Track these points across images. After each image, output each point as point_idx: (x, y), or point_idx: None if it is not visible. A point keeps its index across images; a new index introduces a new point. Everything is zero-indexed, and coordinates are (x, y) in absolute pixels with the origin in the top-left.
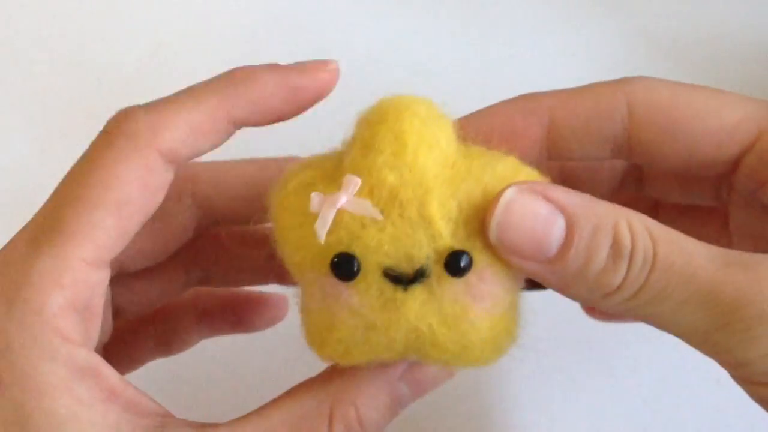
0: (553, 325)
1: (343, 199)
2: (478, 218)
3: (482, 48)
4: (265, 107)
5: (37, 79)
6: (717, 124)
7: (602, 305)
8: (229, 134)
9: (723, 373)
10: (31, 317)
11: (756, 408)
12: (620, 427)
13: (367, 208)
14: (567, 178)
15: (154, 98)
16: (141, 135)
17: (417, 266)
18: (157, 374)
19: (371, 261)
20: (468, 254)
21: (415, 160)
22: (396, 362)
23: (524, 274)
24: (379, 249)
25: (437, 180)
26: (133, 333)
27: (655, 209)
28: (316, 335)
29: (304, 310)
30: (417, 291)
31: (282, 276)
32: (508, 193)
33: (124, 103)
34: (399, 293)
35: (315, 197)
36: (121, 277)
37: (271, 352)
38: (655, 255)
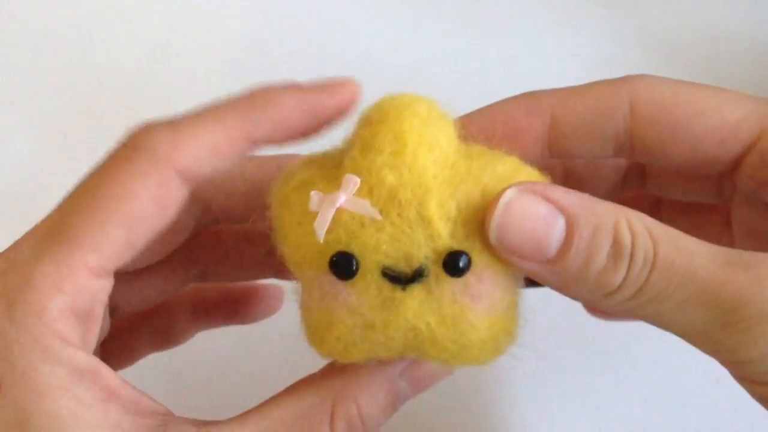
0: (553, 324)
1: (342, 199)
2: (478, 219)
3: (482, 48)
4: (285, 127)
5: (37, 79)
6: (719, 123)
7: (603, 305)
8: (247, 154)
9: (723, 373)
10: (31, 319)
11: (756, 407)
12: (620, 427)
13: (366, 207)
14: (569, 176)
15: (154, 98)
16: (160, 151)
17: (415, 266)
18: (157, 373)
19: (370, 260)
20: (467, 254)
21: (414, 161)
22: (395, 360)
23: (524, 274)
24: (377, 248)
25: (437, 180)
26: (129, 328)
27: (656, 207)
28: (315, 333)
29: (304, 308)
30: (415, 291)
31: (281, 272)
32: (508, 194)
33: (124, 103)
34: (397, 293)
35: (314, 196)
36: (119, 275)
37: (271, 349)
38: (655, 254)
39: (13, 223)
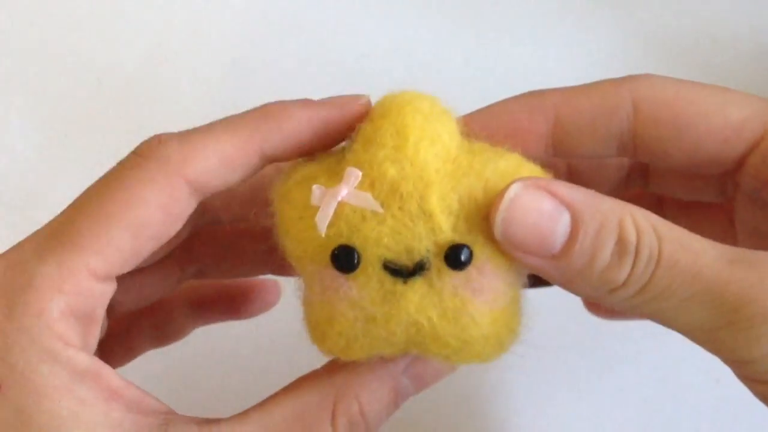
0: (553, 324)
1: (344, 192)
2: (479, 212)
3: (483, 48)
4: (296, 142)
5: (37, 79)
6: (722, 122)
7: (607, 301)
8: (257, 169)
9: (723, 373)
10: (31, 320)
11: (756, 407)
12: (620, 426)
13: (367, 200)
14: (572, 175)
15: (154, 98)
16: (171, 161)
17: (417, 259)
18: (159, 372)
19: (371, 253)
20: (468, 248)
21: (416, 154)
22: (397, 357)
23: (527, 270)
24: (379, 241)
25: (438, 174)
26: (127, 326)
27: (659, 205)
28: (317, 329)
29: (306, 304)
30: (417, 284)
31: (278, 269)
32: (513, 189)
33: (124, 103)
34: (399, 286)
35: (316, 190)
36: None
37: (273, 347)
38: (660, 252)
39: (13, 223)
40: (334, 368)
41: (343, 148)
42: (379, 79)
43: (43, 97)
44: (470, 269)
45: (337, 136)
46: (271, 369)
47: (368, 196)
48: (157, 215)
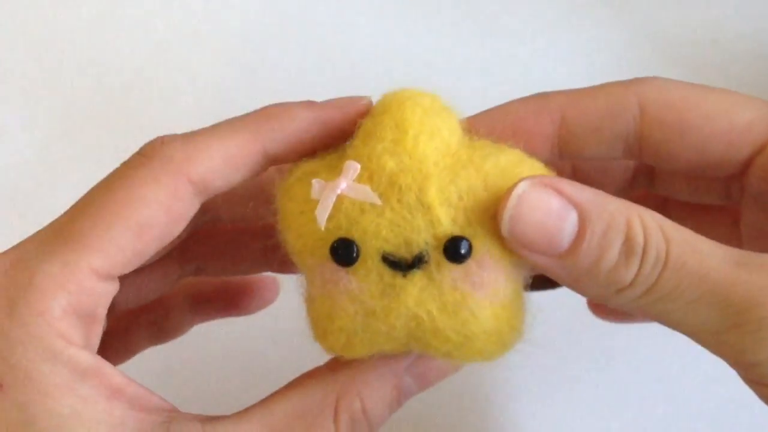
0: (554, 324)
1: (342, 185)
2: (479, 206)
3: (486, 50)
4: (298, 142)
5: (37, 79)
6: (728, 125)
7: (613, 302)
8: (261, 169)
9: (723, 373)
10: (33, 318)
11: (756, 408)
12: (620, 425)
13: (366, 193)
14: (577, 176)
15: (154, 98)
16: (175, 161)
17: (416, 252)
18: (162, 370)
19: (370, 246)
20: (467, 240)
21: (415, 147)
22: (399, 355)
23: (529, 265)
24: (377, 234)
25: (437, 167)
26: (126, 323)
27: (664, 206)
28: (318, 325)
29: (308, 300)
30: (416, 277)
31: (276, 267)
32: (521, 186)
33: (124, 103)
34: (398, 279)
35: (316, 184)
36: None
37: (275, 344)
38: (667, 253)
39: (13, 223)
40: (336, 365)
41: (345, 147)
42: (381, 80)
43: (43, 97)
44: (470, 263)
45: (340, 137)
46: (273, 366)
47: (367, 188)
48: (160, 215)
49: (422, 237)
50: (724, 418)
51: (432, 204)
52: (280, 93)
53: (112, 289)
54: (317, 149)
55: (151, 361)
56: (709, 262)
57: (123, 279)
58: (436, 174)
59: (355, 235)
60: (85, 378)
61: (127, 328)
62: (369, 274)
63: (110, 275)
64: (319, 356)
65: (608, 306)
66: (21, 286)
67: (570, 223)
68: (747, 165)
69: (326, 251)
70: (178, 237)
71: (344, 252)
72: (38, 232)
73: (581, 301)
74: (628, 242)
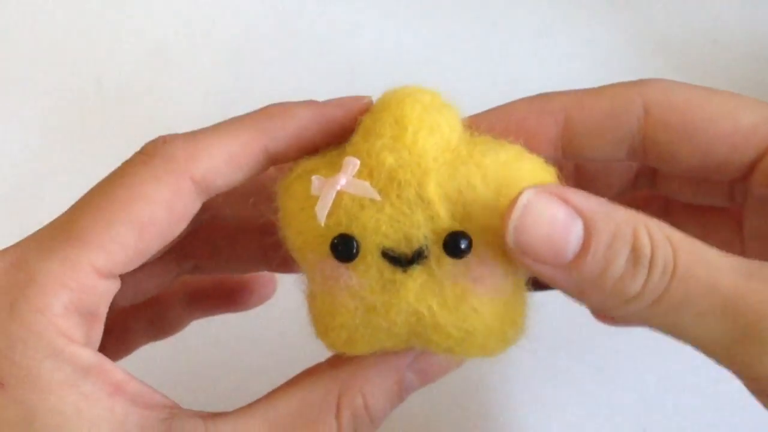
0: (554, 324)
1: (342, 181)
2: (479, 201)
3: (488, 50)
4: (300, 141)
5: (37, 79)
6: (732, 128)
7: (620, 313)
8: (262, 168)
9: (723, 374)
10: (34, 316)
11: (756, 408)
12: (620, 426)
13: (365, 188)
14: (580, 176)
15: (154, 99)
16: (177, 160)
17: (415, 247)
18: (163, 367)
19: (370, 242)
20: (467, 235)
21: (414, 143)
22: (401, 352)
23: (543, 279)
24: (377, 230)
25: (437, 163)
26: (124, 320)
27: (667, 208)
28: (320, 321)
29: (309, 297)
30: (416, 272)
31: (274, 265)
32: (526, 195)
33: (124, 104)
34: (398, 274)
35: (315, 180)
36: None
37: (277, 340)
38: (675, 263)
39: (13, 222)
40: (338, 362)
41: (345, 144)
42: (381, 80)
43: (43, 97)
44: (470, 258)
45: (341, 135)
46: (274, 364)
47: (366, 184)
48: (162, 214)
49: (422, 232)
50: (725, 418)
51: (431, 199)
52: (280, 93)
53: (113, 287)
54: (318, 148)
55: (152, 359)
56: (719, 272)
57: (122, 277)
58: (436, 169)
59: (355, 230)
60: (86, 375)
61: (124, 325)
62: (369, 269)
63: (111, 273)
64: (321, 353)
65: (615, 317)
66: (22, 283)
67: (575, 233)
68: (751, 168)
69: (326, 247)
70: (178, 235)
71: (344, 248)
72: (39, 230)
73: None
74: (634, 252)
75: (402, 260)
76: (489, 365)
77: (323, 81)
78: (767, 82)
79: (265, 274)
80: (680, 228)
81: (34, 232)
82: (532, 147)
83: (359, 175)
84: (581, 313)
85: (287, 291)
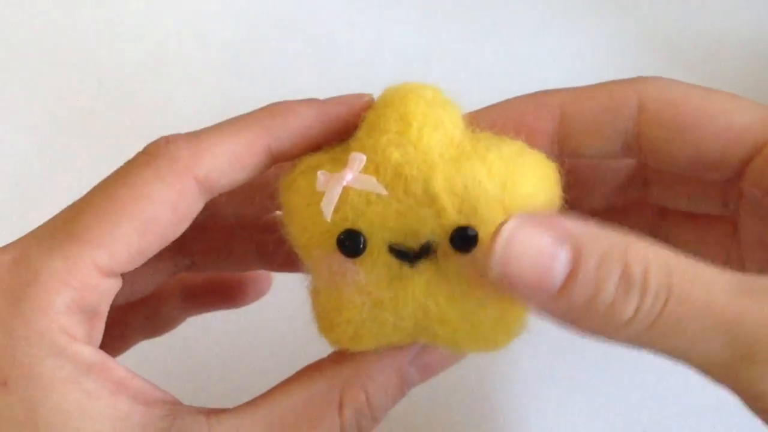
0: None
1: (348, 177)
2: (484, 195)
3: (486, 48)
4: (302, 140)
5: (37, 79)
6: (725, 126)
7: (614, 338)
8: (265, 167)
9: None
10: (37, 314)
11: None
12: (620, 426)
13: (372, 183)
14: (572, 175)
15: (154, 98)
16: (180, 159)
17: (422, 242)
18: (164, 364)
19: (377, 237)
20: (473, 230)
21: (419, 139)
22: (403, 347)
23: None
24: (384, 225)
25: (442, 158)
26: (120, 317)
27: (662, 217)
28: (325, 318)
29: (313, 293)
30: (423, 267)
31: (283, 265)
32: (509, 226)
33: (124, 103)
34: (405, 269)
35: (321, 176)
36: None
37: (278, 336)
38: (670, 285)
39: (13, 222)
40: (340, 358)
41: (348, 141)
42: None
43: (43, 97)
44: (477, 252)
45: (343, 133)
46: (277, 359)
47: (373, 179)
48: (164, 213)
49: (428, 227)
50: (725, 419)
51: (438, 194)
52: (280, 93)
53: (114, 285)
54: (321, 147)
55: (154, 356)
56: (714, 291)
57: (122, 275)
58: (442, 164)
59: (362, 226)
60: (89, 373)
61: (120, 322)
62: (376, 264)
63: (114, 272)
64: (322, 349)
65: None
66: (24, 281)
67: (561, 260)
68: (743, 167)
69: (333, 243)
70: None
71: (351, 243)
72: (40, 227)
73: None
74: (625, 275)
75: (409, 255)
76: (489, 364)
77: (323, 81)
78: (767, 82)
79: (260, 271)
80: (676, 237)
81: (36, 229)
82: (530, 143)
83: (365, 170)
84: None
85: (288, 289)
